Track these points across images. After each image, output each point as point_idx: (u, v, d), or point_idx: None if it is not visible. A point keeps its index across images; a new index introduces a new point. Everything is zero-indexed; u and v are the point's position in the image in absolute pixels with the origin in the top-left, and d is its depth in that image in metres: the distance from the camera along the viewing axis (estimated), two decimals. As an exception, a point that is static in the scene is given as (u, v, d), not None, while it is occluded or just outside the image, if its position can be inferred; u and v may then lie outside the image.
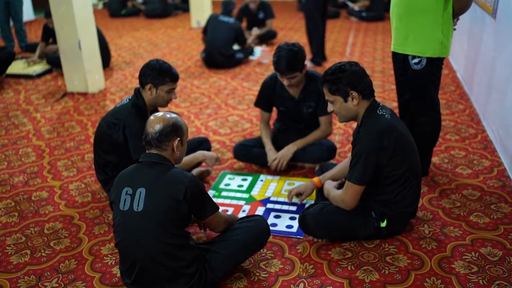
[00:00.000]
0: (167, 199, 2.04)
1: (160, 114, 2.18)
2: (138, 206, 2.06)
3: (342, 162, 2.86)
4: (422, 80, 2.96)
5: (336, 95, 2.45)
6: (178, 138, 2.16)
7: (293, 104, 3.38)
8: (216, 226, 2.33)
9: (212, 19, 6.19)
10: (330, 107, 2.55)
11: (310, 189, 2.92)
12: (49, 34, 6.44)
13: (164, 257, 2.07)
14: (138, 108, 2.86)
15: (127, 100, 2.92)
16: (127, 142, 2.84)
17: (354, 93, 2.41)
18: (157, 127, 2.11)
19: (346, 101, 2.44)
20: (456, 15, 2.88)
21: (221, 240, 2.33)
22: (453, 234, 2.63)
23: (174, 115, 2.19)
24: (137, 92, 2.90)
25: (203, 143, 3.40)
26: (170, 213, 2.05)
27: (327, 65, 5.97)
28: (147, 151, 2.17)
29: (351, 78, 2.40)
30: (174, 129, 2.14)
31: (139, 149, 2.77)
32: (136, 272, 2.10)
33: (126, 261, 2.14)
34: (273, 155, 3.32)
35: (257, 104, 3.52)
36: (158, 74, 2.80)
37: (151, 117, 2.18)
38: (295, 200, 2.99)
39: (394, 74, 3.21)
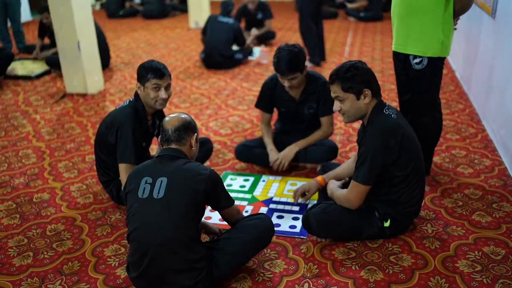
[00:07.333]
0: (189, 189, 2.11)
1: (175, 114, 2.32)
2: (158, 193, 2.11)
3: (346, 162, 2.86)
4: (423, 79, 2.97)
5: (350, 93, 2.44)
6: (196, 134, 2.30)
7: (294, 105, 3.37)
8: (230, 217, 2.40)
9: (211, 20, 6.20)
10: (337, 106, 2.50)
11: (314, 188, 2.89)
12: (43, 30, 6.47)
13: (181, 247, 2.10)
14: (136, 112, 2.86)
15: (128, 102, 2.92)
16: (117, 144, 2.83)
17: (367, 91, 2.42)
18: (176, 124, 2.25)
19: (358, 98, 2.44)
20: (456, 14, 2.88)
21: (227, 238, 2.35)
22: (456, 233, 2.64)
23: (188, 115, 2.33)
24: (137, 94, 2.90)
25: (205, 144, 3.37)
26: (191, 204, 2.12)
27: (326, 65, 5.99)
28: (165, 147, 2.26)
29: (365, 76, 2.43)
30: (191, 126, 2.29)
31: (126, 153, 2.80)
32: (146, 262, 2.10)
33: (138, 251, 2.13)
34: (274, 155, 3.31)
35: (258, 105, 3.52)
36: (142, 71, 2.82)
37: (167, 118, 2.30)
38: (300, 200, 2.94)
39: (395, 74, 3.22)
